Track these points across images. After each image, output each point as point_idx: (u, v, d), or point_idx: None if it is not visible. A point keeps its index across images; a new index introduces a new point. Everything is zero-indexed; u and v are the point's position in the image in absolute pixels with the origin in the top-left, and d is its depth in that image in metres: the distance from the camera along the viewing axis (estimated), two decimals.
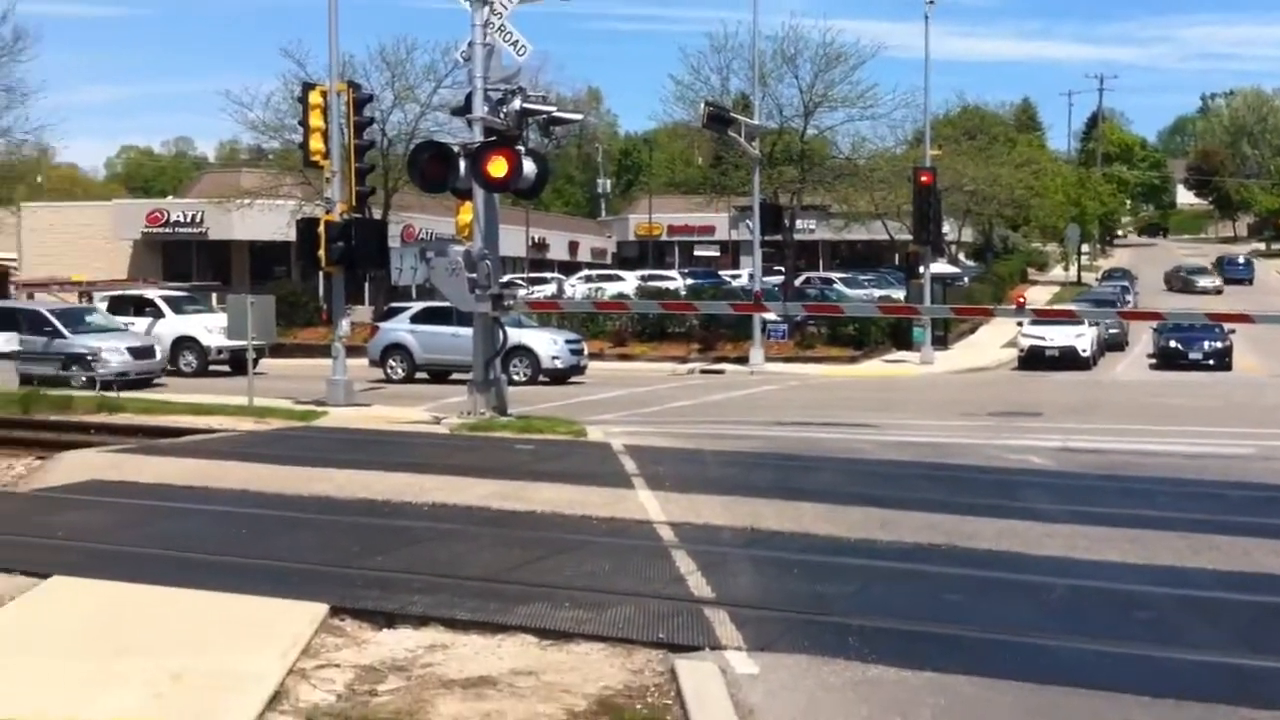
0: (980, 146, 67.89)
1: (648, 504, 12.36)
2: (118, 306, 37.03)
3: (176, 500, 12.90)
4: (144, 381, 30.51)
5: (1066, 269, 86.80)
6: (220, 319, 32.01)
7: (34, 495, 13.58)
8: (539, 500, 12.51)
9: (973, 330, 50.98)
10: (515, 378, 30.08)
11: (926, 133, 46.80)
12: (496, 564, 9.83)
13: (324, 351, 31.41)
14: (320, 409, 22.74)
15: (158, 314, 35.92)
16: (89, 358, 29.86)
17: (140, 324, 35.00)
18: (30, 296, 45.83)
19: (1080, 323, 38.78)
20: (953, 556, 10.25)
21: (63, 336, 30.80)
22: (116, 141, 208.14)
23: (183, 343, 35.19)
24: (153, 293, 38.84)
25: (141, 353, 31.46)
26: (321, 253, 24.55)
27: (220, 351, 34.17)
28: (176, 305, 36.94)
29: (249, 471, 14.43)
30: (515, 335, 28.01)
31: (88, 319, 33.27)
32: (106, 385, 26.81)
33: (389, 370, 33.78)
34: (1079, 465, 16.00)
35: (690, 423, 22.21)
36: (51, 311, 32.69)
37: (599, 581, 9.20)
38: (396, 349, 34.08)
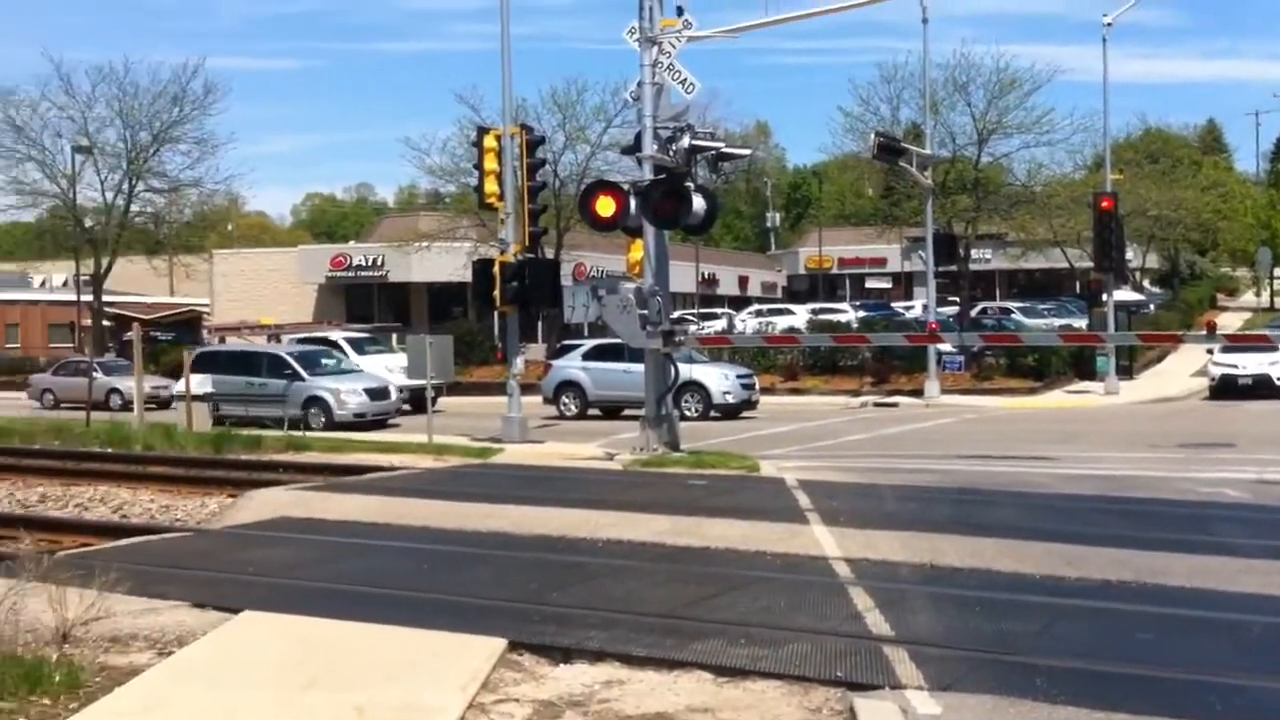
0: (1163, 170, 65.85)
1: (823, 539, 12.21)
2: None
3: (360, 536, 13.21)
4: (379, 423, 31.28)
5: (1258, 294, 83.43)
6: (401, 359, 32.73)
7: (226, 532, 14.05)
8: (713, 536, 12.46)
9: (1160, 359, 49.33)
10: (687, 413, 30.15)
11: (1107, 157, 45.55)
12: (671, 600, 9.80)
13: (499, 389, 31.88)
14: (496, 446, 23.10)
15: (341, 356, 36.72)
16: (328, 399, 30.81)
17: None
18: (222, 340, 47.78)
19: (1275, 349, 37.14)
20: (1143, 594, 9.88)
21: (301, 379, 31.80)
22: (302, 189, 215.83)
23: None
24: (336, 335, 39.99)
25: (378, 394, 32.18)
26: (497, 292, 24.99)
27: (401, 391, 34.35)
28: (359, 346, 38.09)
29: (429, 508, 14.70)
30: (687, 371, 28.05)
31: (324, 361, 34.21)
32: (346, 426, 27.69)
33: (562, 407, 34.18)
34: (1276, 498, 15.30)
35: (864, 457, 21.93)
36: (291, 355, 33.88)
37: (775, 618, 9.10)
38: (569, 386, 34.42)
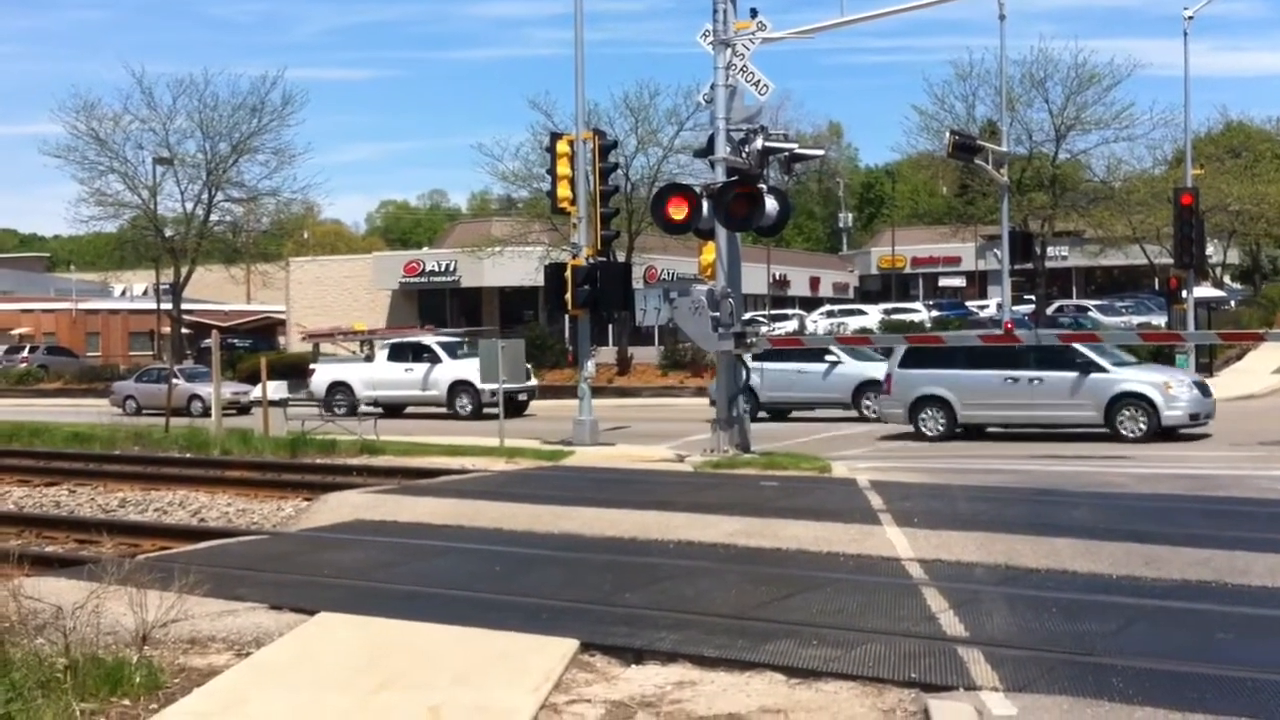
0: (1245, 164, 64.66)
1: (895, 540, 12.12)
2: (398, 353, 38.83)
3: (433, 538, 13.31)
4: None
5: None
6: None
7: (301, 535, 14.22)
8: (785, 537, 12.42)
9: (1240, 356, 48.39)
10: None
11: (1188, 152, 44.81)
12: (743, 601, 9.78)
13: (570, 393, 32.01)
14: (567, 449, 23.18)
15: (435, 359, 37.53)
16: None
17: (418, 369, 37.27)
18: (316, 346, 48.22)
19: None
20: (1222, 594, 9.71)
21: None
22: (376, 196, 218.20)
23: (459, 386, 36.62)
24: (430, 339, 40.43)
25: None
26: (568, 296, 25.09)
27: (494, 394, 34.79)
28: (451, 350, 38.32)
29: (500, 510, 14.79)
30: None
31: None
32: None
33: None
34: None
35: (937, 458, 21.74)
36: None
37: (847, 619, 9.05)
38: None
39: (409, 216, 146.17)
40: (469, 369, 35.41)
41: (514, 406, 33.14)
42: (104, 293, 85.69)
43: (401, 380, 37.73)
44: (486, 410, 35.34)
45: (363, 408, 33.64)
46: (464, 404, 36.54)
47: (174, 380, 41.29)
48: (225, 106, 53.63)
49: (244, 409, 40.38)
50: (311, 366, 40.12)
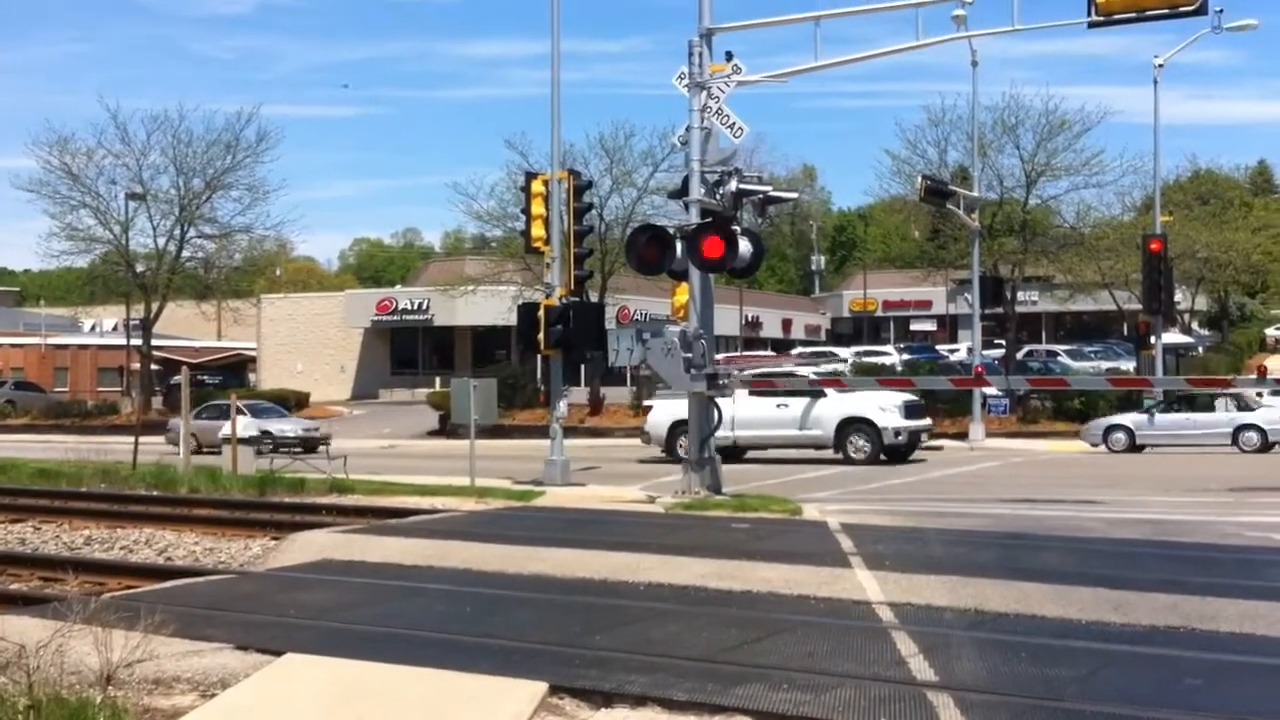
0: (1213, 211, 65.47)
1: (866, 584, 12.11)
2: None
3: (402, 579, 13.22)
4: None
5: None
6: (891, 396, 31.23)
7: (269, 574, 14.11)
8: (755, 580, 12.39)
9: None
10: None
11: (1157, 199, 45.29)
12: (713, 644, 9.75)
13: (542, 432, 31.95)
14: (538, 489, 23.12)
15: (817, 393, 31.83)
16: None
17: (795, 405, 31.97)
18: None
19: None
20: (1191, 639, 9.74)
21: None
22: (350, 234, 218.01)
23: (851, 425, 31.49)
24: (804, 369, 36.02)
25: None
26: (541, 336, 25.09)
27: (898, 434, 31.37)
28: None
29: (470, 551, 14.71)
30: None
31: None
32: None
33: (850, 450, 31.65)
34: None
35: (908, 501, 21.78)
36: None
37: (818, 663, 9.03)
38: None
39: (382, 254, 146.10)
40: (864, 403, 31.39)
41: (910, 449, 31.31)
42: (73, 328, 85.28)
43: (772, 418, 32.14)
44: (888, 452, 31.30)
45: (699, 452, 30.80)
46: (859, 445, 31.21)
47: (240, 418, 40.36)
48: (199, 142, 53.69)
49: (312, 447, 38.04)
50: (648, 403, 34.74)
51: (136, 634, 8.64)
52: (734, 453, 31.42)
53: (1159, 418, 35.86)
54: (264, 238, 58.27)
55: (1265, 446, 34.00)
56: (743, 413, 31.46)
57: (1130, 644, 9.61)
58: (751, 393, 30.60)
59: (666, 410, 32.69)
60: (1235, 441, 34.60)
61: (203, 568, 15.37)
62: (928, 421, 33.50)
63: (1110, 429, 35.94)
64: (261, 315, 66.42)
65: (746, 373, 33.96)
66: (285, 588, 12.83)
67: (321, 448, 39.29)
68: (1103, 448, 35.28)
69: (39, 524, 19.99)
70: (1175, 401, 36.23)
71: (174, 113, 54.25)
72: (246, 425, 38.95)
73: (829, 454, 31.55)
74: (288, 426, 40.80)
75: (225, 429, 38.72)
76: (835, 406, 31.47)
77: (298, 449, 35.67)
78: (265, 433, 39.09)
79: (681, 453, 30.56)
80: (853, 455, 31.05)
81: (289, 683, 8.70)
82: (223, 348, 79.38)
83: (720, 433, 30.64)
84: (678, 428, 31.58)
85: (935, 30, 22.32)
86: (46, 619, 9.64)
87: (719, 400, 30.59)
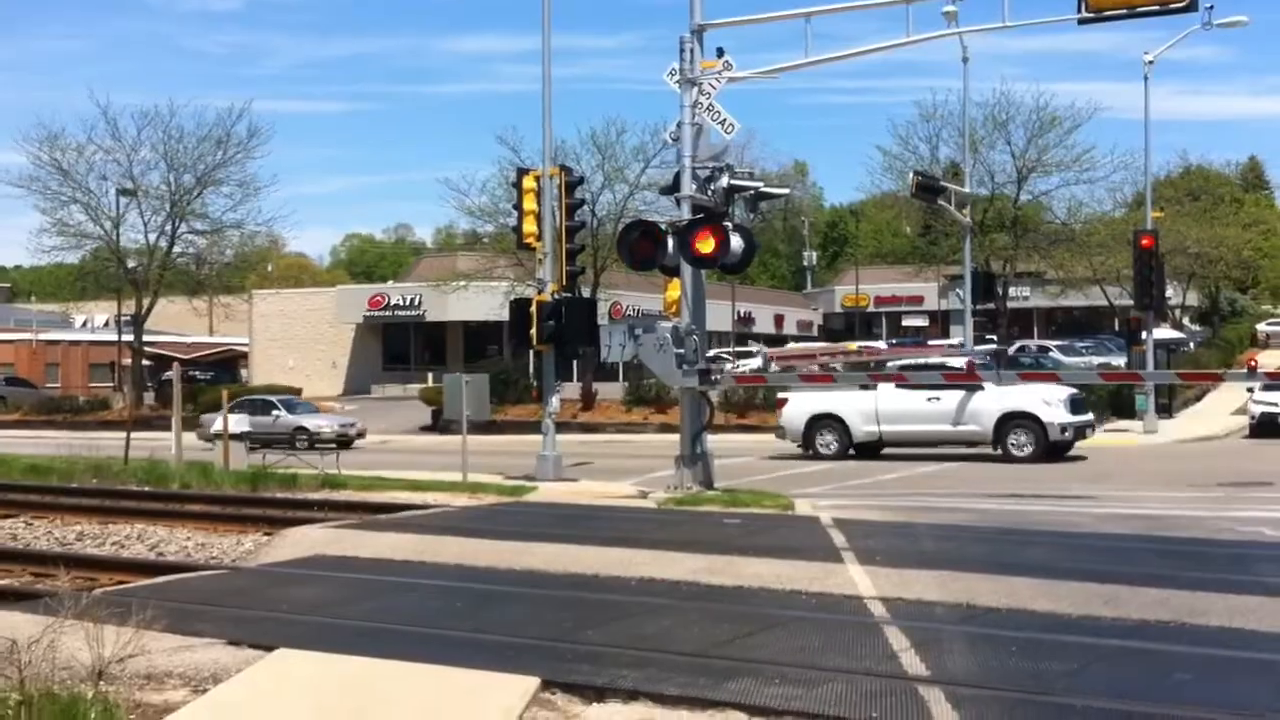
0: (1204, 207, 65.60)
1: (858, 579, 12.14)
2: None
3: (394, 574, 13.23)
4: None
5: None
6: (1055, 389, 29.50)
7: (260, 570, 14.12)
8: (747, 575, 12.42)
9: (1199, 398, 48.89)
10: None
11: (1148, 195, 45.37)
12: (705, 639, 9.77)
13: (534, 428, 31.93)
14: (530, 484, 23.13)
15: (973, 386, 29.32)
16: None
17: (948, 398, 29.72)
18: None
19: None
20: (1181, 634, 9.78)
21: None
22: (342, 230, 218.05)
23: (1013, 420, 29.32)
24: (955, 359, 33.37)
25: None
26: (533, 331, 25.08)
27: (1065, 430, 29.33)
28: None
29: (462, 546, 14.72)
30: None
31: None
32: None
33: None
34: None
35: (900, 495, 21.82)
36: None
37: (809, 658, 9.05)
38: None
39: (374, 250, 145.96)
40: (1027, 397, 29.30)
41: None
42: (65, 324, 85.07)
43: (923, 412, 30.09)
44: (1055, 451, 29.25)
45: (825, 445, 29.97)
46: (1021, 443, 29.06)
47: (275, 413, 40.56)
48: (190, 138, 53.62)
49: (348, 443, 39.04)
50: (781, 395, 32.59)
51: (128, 629, 8.63)
52: (870, 449, 30.70)
53: None
54: (255, 233, 58.38)
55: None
56: (888, 405, 30.04)
57: (1120, 638, 9.64)
58: (898, 386, 29.13)
59: (803, 403, 31.39)
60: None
61: (195, 563, 15.36)
62: (1090, 416, 31.49)
63: None
64: (253, 311, 66.31)
65: (893, 363, 32.17)
66: (277, 583, 12.84)
67: (358, 442, 39.61)
68: None
69: (30, 519, 19.98)
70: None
71: (165, 108, 54.10)
72: (285, 422, 39.00)
73: (985, 450, 29.67)
74: (324, 422, 40.99)
75: (268, 421, 38.75)
76: (995, 400, 29.31)
77: (331, 445, 36.06)
78: (301, 428, 39.26)
79: (821, 448, 30.48)
80: (1014, 452, 28.97)
81: (281, 678, 8.71)
82: (214, 343, 79.34)
83: (864, 427, 30.43)
84: (816, 422, 30.91)
85: (926, 26, 22.35)
86: (38, 614, 9.64)
87: (866, 391, 29.75)
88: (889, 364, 31.92)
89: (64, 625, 8.56)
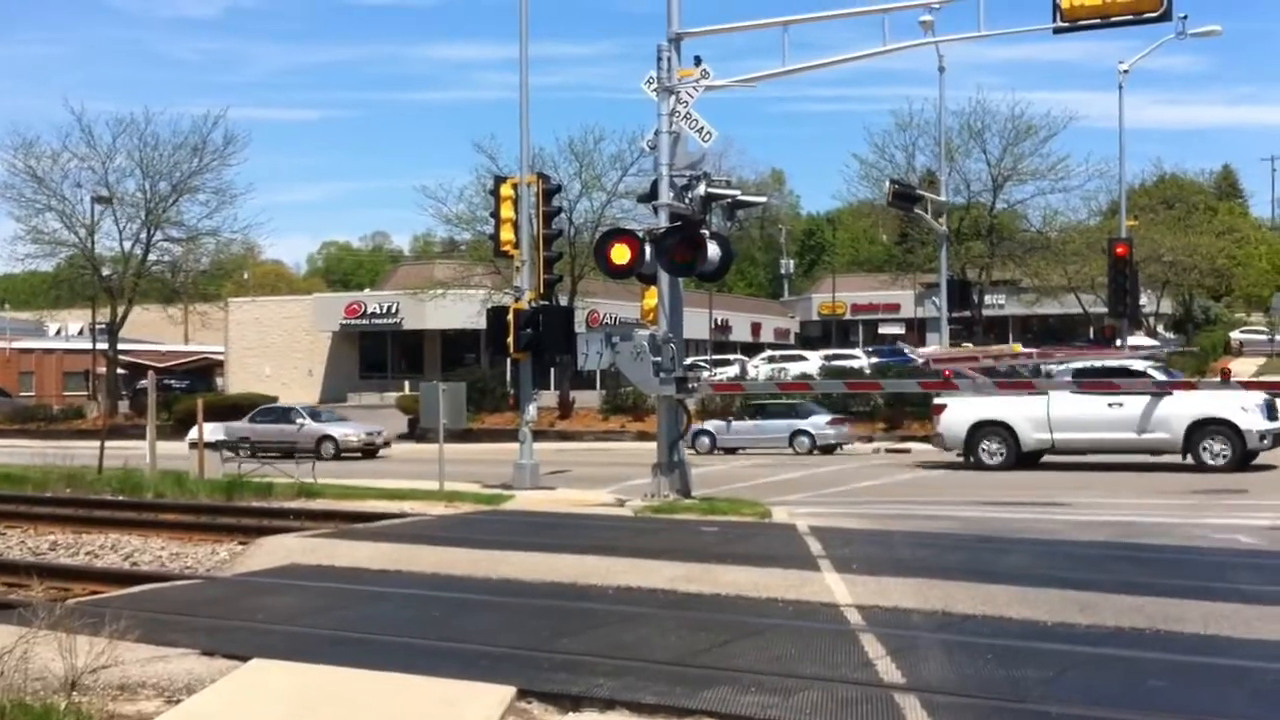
0: (1178, 216, 66.00)
1: (834, 587, 12.15)
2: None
3: (370, 584, 13.18)
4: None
5: (1272, 340, 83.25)
6: (1251, 395, 27.55)
7: (235, 579, 14.04)
8: (724, 583, 12.41)
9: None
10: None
11: (1122, 203, 45.68)
12: (682, 647, 9.76)
13: (511, 436, 31.90)
14: (507, 492, 23.10)
15: (1159, 391, 27.43)
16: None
17: (1131, 404, 27.73)
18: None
19: None
20: (1156, 641, 9.81)
21: None
22: (319, 237, 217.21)
23: (1205, 427, 27.33)
24: (1138, 363, 30.99)
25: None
26: (510, 340, 25.07)
27: (1263, 437, 27.24)
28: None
29: (438, 555, 14.68)
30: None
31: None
32: None
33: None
34: None
35: (876, 503, 21.86)
36: None
37: (785, 666, 9.06)
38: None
39: (351, 258, 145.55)
40: (1222, 403, 27.12)
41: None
42: (39, 332, 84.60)
43: (1103, 419, 28.03)
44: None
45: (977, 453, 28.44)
46: (1216, 451, 27.12)
47: (300, 421, 40.39)
48: (166, 145, 53.37)
49: (374, 451, 39.35)
50: (939, 401, 30.65)
51: (101, 640, 8.58)
52: (1029, 457, 29.14)
53: (735, 424, 39.48)
54: (231, 241, 58.04)
55: (816, 449, 37.73)
56: (1061, 412, 28.41)
57: (1096, 645, 9.66)
58: (1075, 391, 27.24)
59: (964, 410, 29.67)
60: (791, 444, 38.24)
61: (169, 573, 15.26)
62: None
63: (698, 433, 37.58)
64: (229, 319, 66.07)
65: (1067, 366, 29.79)
66: (252, 593, 12.77)
67: (383, 452, 39.62)
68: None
69: (3, 529, 19.84)
70: (749, 410, 40.44)
71: (141, 115, 53.81)
72: (310, 430, 38.90)
73: (1169, 459, 28.04)
74: (350, 431, 40.83)
75: (292, 430, 38.44)
76: (1184, 406, 27.28)
77: (357, 455, 36.55)
78: (327, 437, 39.11)
79: (985, 457, 28.99)
80: (1208, 461, 26.95)
81: (255, 688, 8.66)
82: (190, 351, 78.89)
83: (1035, 435, 28.83)
84: (979, 429, 29.35)
85: (902, 35, 22.39)
86: (11, 625, 9.59)
87: (1037, 399, 28.01)
88: (1059, 368, 29.77)
89: (37, 636, 8.50)
